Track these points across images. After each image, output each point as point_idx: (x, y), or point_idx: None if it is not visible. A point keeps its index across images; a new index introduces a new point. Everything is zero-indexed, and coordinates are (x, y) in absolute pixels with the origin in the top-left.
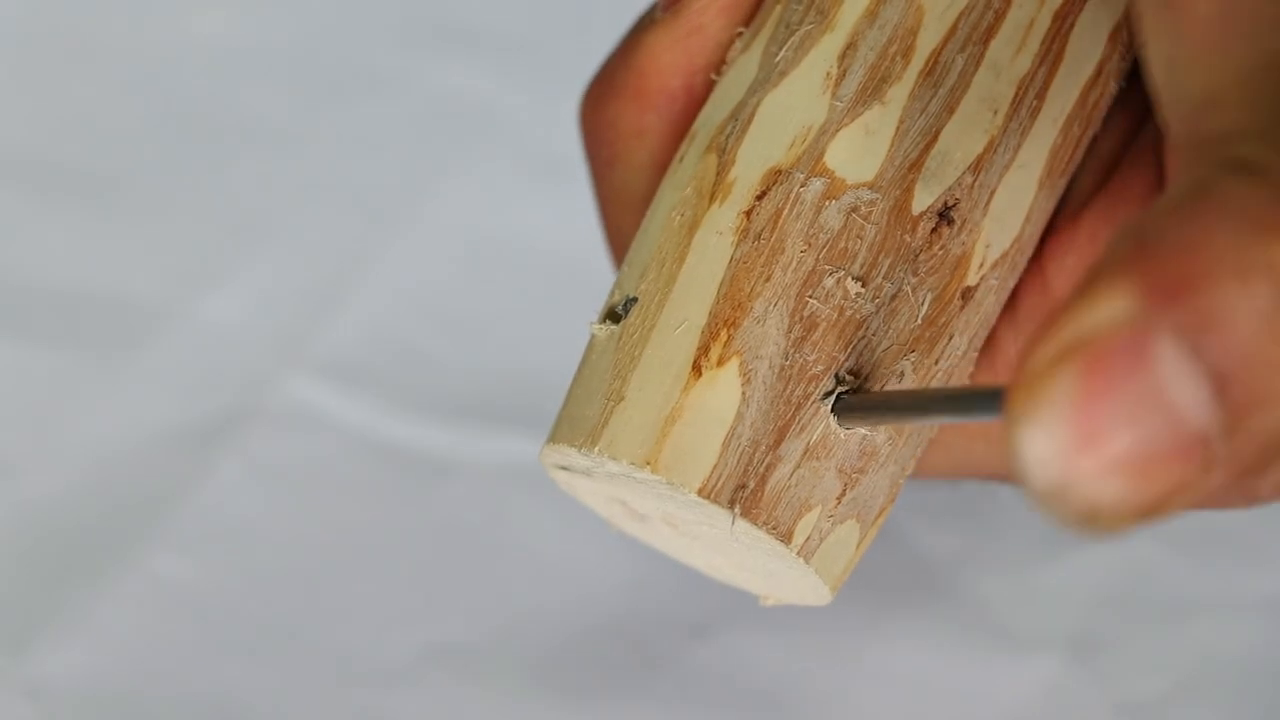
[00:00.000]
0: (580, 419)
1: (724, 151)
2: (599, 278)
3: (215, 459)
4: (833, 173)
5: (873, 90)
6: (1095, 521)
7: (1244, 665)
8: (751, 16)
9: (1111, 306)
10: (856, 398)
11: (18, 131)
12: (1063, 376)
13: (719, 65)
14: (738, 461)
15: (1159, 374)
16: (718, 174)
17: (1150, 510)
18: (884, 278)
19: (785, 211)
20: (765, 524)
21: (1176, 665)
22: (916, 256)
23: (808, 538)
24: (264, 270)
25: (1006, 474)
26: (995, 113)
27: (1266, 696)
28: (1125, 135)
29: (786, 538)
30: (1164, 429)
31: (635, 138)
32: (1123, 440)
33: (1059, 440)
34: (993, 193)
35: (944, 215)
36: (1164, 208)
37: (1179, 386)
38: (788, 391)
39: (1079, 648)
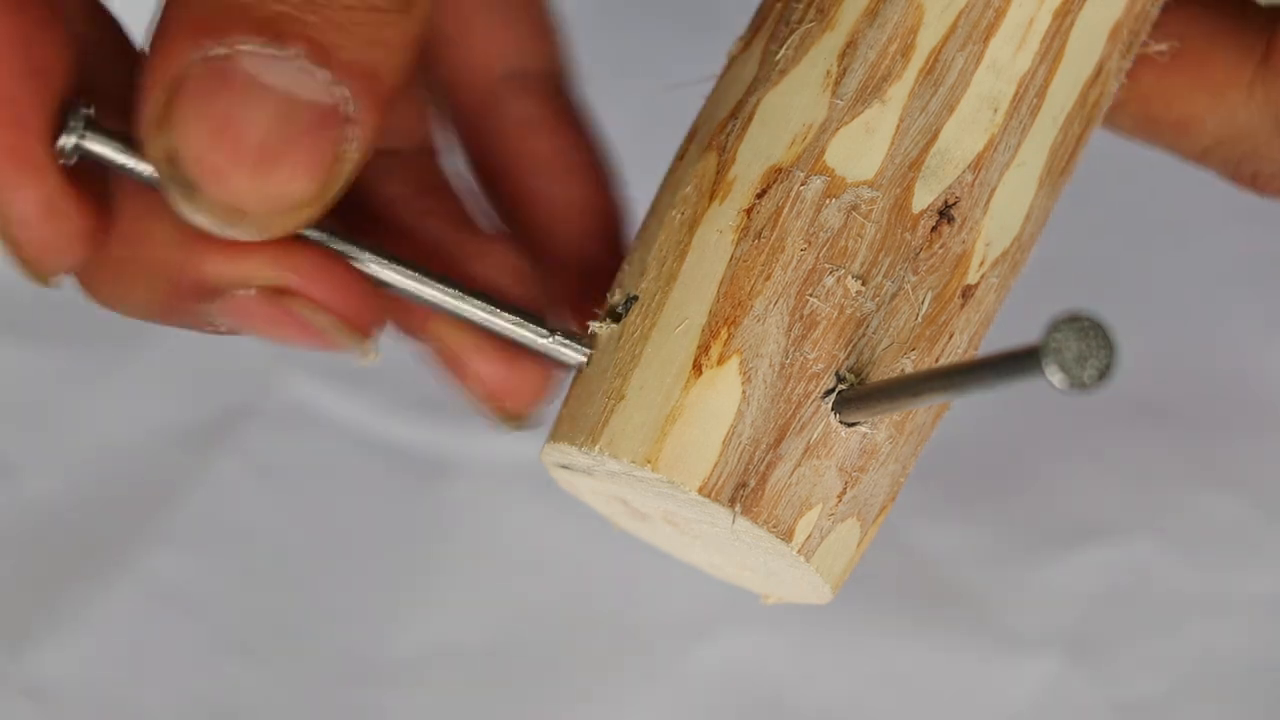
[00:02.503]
0: (581, 417)
1: (724, 150)
2: None
3: (215, 459)
4: (833, 171)
5: (873, 88)
6: (253, 215)
7: (1244, 665)
8: None
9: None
10: (858, 388)
11: None
12: (177, 110)
13: None
14: (738, 460)
15: (245, 72)
16: (718, 172)
17: (320, 180)
18: (884, 276)
19: (785, 210)
20: (766, 522)
21: (1176, 665)
22: (917, 255)
23: (808, 536)
24: None
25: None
26: (995, 111)
27: (1266, 696)
28: None
29: (787, 536)
30: (281, 114)
31: None
32: (251, 135)
33: (198, 149)
34: (993, 191)
35: (944, 213)
36: None
37: (274, 75)
38: (788, 390)
39: (1079, 648)
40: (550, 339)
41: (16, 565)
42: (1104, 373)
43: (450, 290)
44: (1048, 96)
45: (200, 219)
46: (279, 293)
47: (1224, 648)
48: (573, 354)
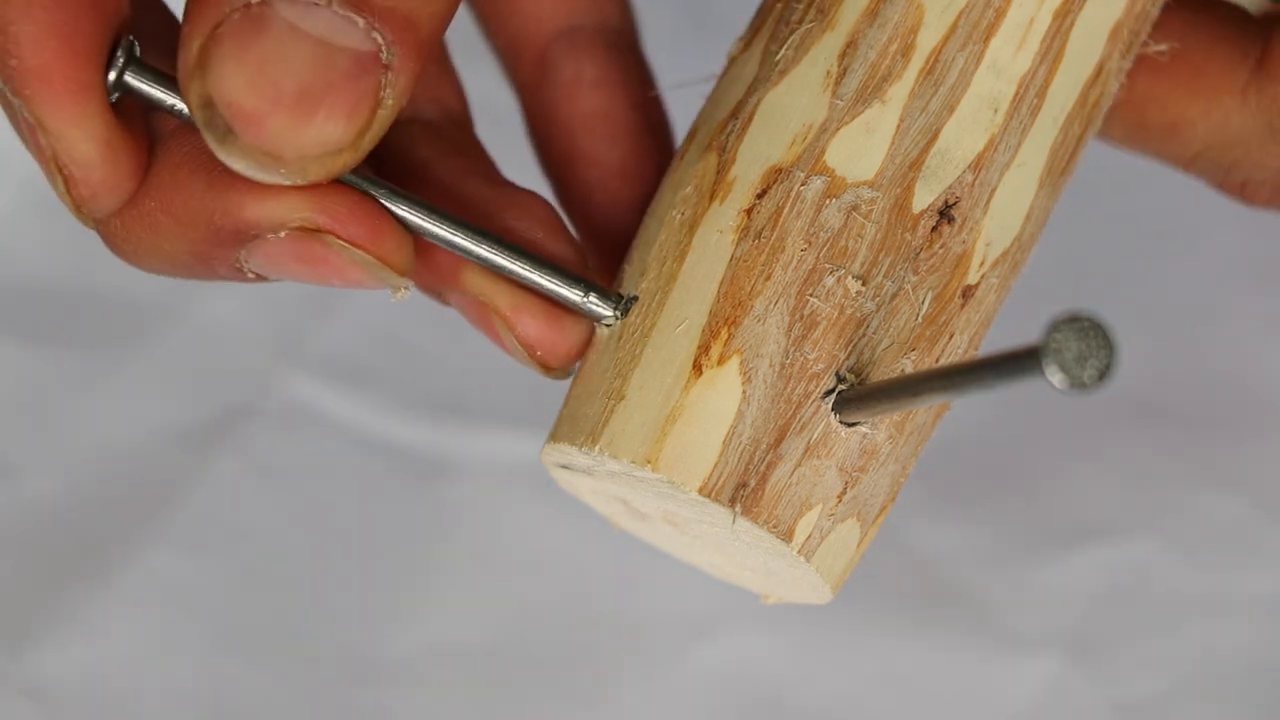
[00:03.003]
0: (581, 418)
1: (724, 150)
2: None
3: (215, 459)
4: (833, 171)
5: (873, 89)
6: (296, 161)
7: (1244, 665)
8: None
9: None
10: (859, 389)
11: None
12: (214, 56)
13: None
14: (738, 460)
15: (282, 18)
16: (718, 172)
17: (358, 126)
18: (885, 276)
19: (786, 210)
20: (766, 523)
21: (1176, 665)
22: (917, 255)
23: (809, 536)
24: None
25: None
26: (996, 111)
27: (1266, 696)
28: None
29: (787, 536)
30: (319, 60)
31: None
32: (288, 81)
33: (233, 94)
34: (993, 191)
35: (945, 213)
36: None
37: (312, 21)
38: (788, 390)
39: (1079, 648)
40: (584, 297)
41: (16, 565)
42: (1104, 373)
43: (487, 242)
44: (1048, 97)
45: (237, 164)
46: (313, 232)
47: (1224, 648)
48: (605, 311)
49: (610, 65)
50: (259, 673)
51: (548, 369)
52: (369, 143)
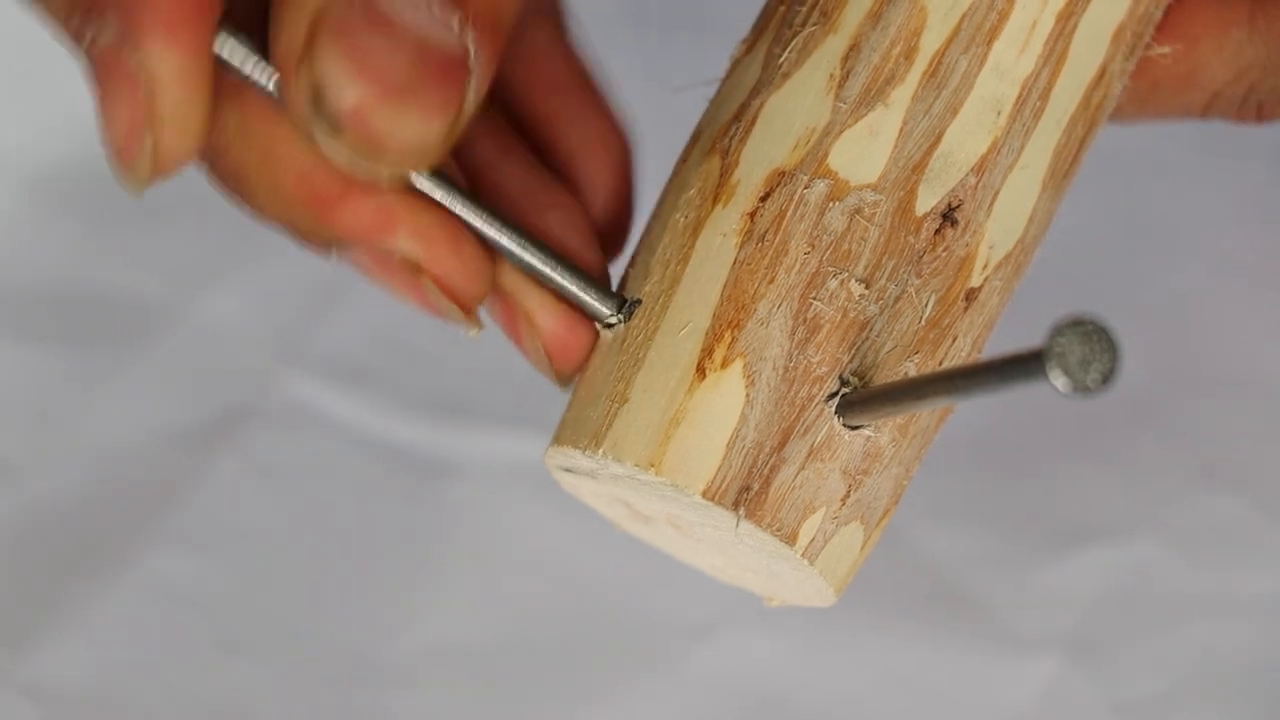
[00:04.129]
0: (584, 421)
1: (727, 153)
2: None
3: (215, 459)
4: (836, 174)
5: (876, 91)
6: (388, 150)
7: (1244, 665)
8: None
9: None
10: (862, 391)
11: (19, 132)
12: (321, 46)
13: None
14: (742, 463)
15: (384, 12)
16: (721, 175)
17: (449, 122)
18: (888, 279)
19: (789, 213)
20: (770, 526)
21: (1176, 665)
22: (920, 258)
23: (812, 539)
24: (264, 270)
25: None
26: (999, 114)
27: (1266, 696)
28: None
29: (791, 539)
30: (418, 55)
31: None
32: (392, 74)
33: (342, 84)
34: (996, 194)
35: (948, 216)
36: None
37: (411, 17)
38: (792, 393)
39: (1079, 648)
40: (606, 303)
41: (16, 565)
42: (1108, 377)
43: (521, 239)
44: (1051, 99)
45: (339, 155)
46: (413, 267)
47: (1224, 648)
48: (608, 314)
49: (563, 31)
50: (259, 673)
51: (562, 374)
52: (454, 139)
